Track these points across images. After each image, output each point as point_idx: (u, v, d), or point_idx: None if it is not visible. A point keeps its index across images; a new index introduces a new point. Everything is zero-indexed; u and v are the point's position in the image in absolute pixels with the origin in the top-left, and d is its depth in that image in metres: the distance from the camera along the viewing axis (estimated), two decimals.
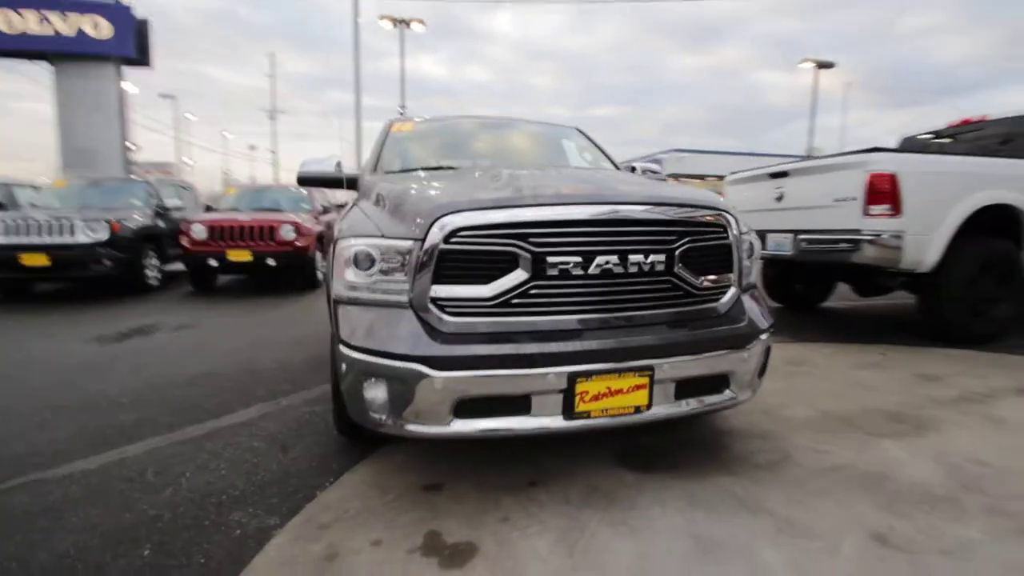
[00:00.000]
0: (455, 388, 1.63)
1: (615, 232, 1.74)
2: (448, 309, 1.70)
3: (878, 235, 3.66)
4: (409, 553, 1.58)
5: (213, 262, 6.29)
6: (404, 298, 1.73)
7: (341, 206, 8.90)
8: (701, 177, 29.79)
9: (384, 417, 1.72)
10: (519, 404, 1.69)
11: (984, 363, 3.40)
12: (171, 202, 7.28)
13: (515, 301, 1.70)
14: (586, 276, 1.71)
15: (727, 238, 1.94)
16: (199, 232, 6.30)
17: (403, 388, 1.65)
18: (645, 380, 1.74)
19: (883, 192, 3.65)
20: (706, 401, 1.91)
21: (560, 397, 1.70)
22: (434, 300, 1.70)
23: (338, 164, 3.04)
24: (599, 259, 1.71)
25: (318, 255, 7.29)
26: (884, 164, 3.67)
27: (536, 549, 1.59)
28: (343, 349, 1.78)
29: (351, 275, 1.83)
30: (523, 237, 1.67)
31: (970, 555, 1.54)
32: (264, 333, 4.45)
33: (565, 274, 1.70)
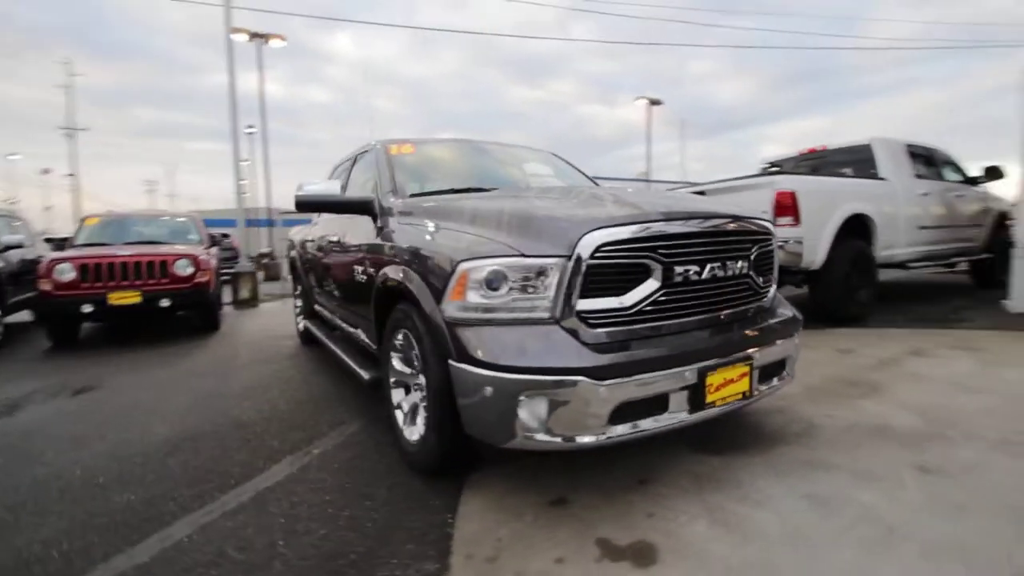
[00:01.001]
0: (616, 395, 1.71)
1: (720, 242, 1.99)
2: (590, 321, 1.79)
3: (787, 241, 4.50)
4: (598, 562, 1.61)
5: (88, 308, 5.16)
6: (546, 314, 1.77)
7: (221, 235, 7.92)
8: None
9: (538, 433, 1.72)
10: (660, 403, 1.83)
11: (873, 337, 4.37)
12: (6, 238, 5.81)
13: (647, 308, 1.84)
14: (700, 282, 1.93)
15: (772, 245, 2.32)
16: (65, 273, 5.14)
17: (566, 401, 1.68)
18: (748, 368, 2.01)
19: (787, 206, 4.51)
20: (774, 384, 2.24)
21: (687, 392, 1.87)
22: (578, 313, 1.77)
23: (342, 187, 2.86)
24: (709, 266, 1.95)
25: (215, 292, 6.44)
26: (786, 184, 4.55)
27: (702, 534, 1.73)
28: (481, 371, 1.75)
29: (477, 296, 1.81)
30: (654, 249, 1.83)
31: (982, 468, 2.06)
32: (204, 385, 3.83)
33: (686, 281, 1.90)
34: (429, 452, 2.11)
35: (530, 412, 1.71)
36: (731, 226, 2.05)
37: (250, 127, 25.65)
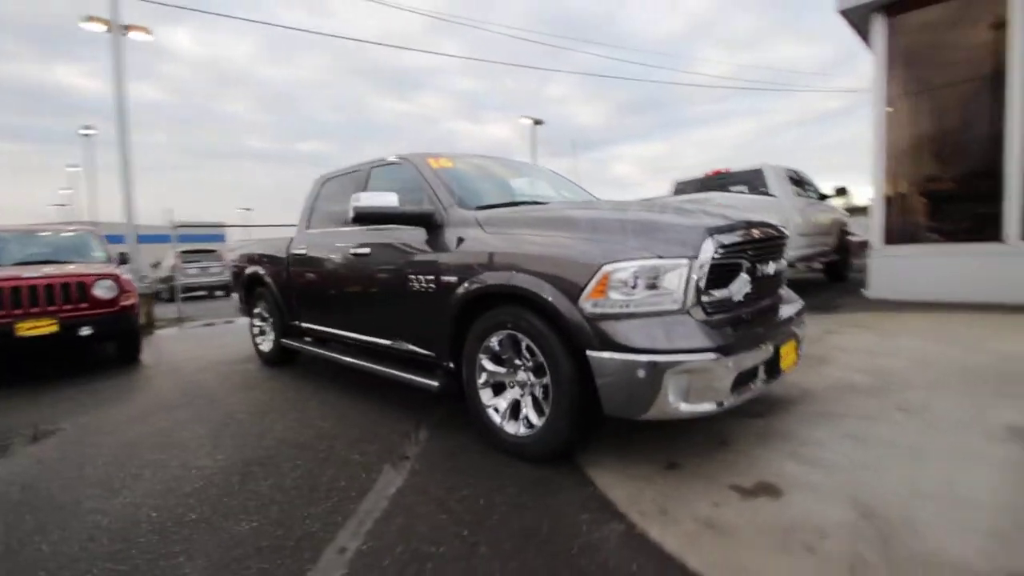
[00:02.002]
0: (737, 367, 2.13)
1: (775, 245, 2.53)
2: (707, 310, 2.18)
3: None
4: (743, 501, 1.99)
5: None
6: (676, 306, 2.12)
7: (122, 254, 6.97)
8: None
9: (680, 404, 2.06)
10: (754, 373, 2.28)
11: None
12: None
13: (740, 298, 2.30)
14: (766, 276, 2.44)
15: (785, 246, 2.94)
16: None
17: (703, 374, 2.05)
18: (796, 343, 2.57)
19: None
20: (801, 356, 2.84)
21: (766, 364, 2.35)
22: (700, 303, 2.15)
23: (398, 198, 2.93)
24: (771, 263, 2.47)
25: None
26: (721, 199, 5.44)
27: (798, 471, 2.20)
28: (631, 356, 2.04)
29: (617, 294, 2.11)
30: (745, 251, 2.30)
31: (933, 405, 2.86)
32: (202, 416, 3.48)
33: (761, 275, 2.39)
34: (554, 439, 2.31)
35: (674, 386, 2.04)
36: (777, 232, 2.61)
37: (87, 128, 22.00)
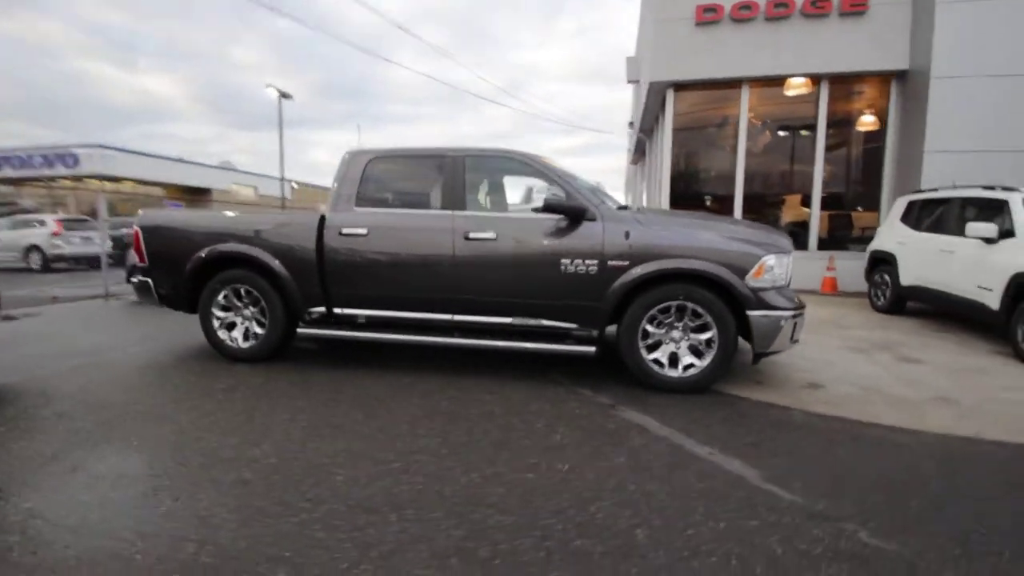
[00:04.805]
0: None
1: None
2: (790, 286, 3.67)
3: None
4: (815, 391, 3.56)
5: None
6: (785, 282, 3.53)
7: None
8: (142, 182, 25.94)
9: (791, 340, 3.49)
10: None
11: None
12: None
13: None
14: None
15: None
16: None
17: (800, 322, 3.53)
18: None
19: None
20: None
21: None
22: (788, 282, 3.63)
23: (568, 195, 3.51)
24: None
25: None
26: None
27: (811, 376, 3.92)
28: (778, 312, 3.36)
29: (767, 274, 3.40)
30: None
31: (808, 339, 5.12)
32: (322, 410, 3.08)
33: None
34: (718, 372, 3.43)
35: (791, 330, 3.46)
36: None
37: None
